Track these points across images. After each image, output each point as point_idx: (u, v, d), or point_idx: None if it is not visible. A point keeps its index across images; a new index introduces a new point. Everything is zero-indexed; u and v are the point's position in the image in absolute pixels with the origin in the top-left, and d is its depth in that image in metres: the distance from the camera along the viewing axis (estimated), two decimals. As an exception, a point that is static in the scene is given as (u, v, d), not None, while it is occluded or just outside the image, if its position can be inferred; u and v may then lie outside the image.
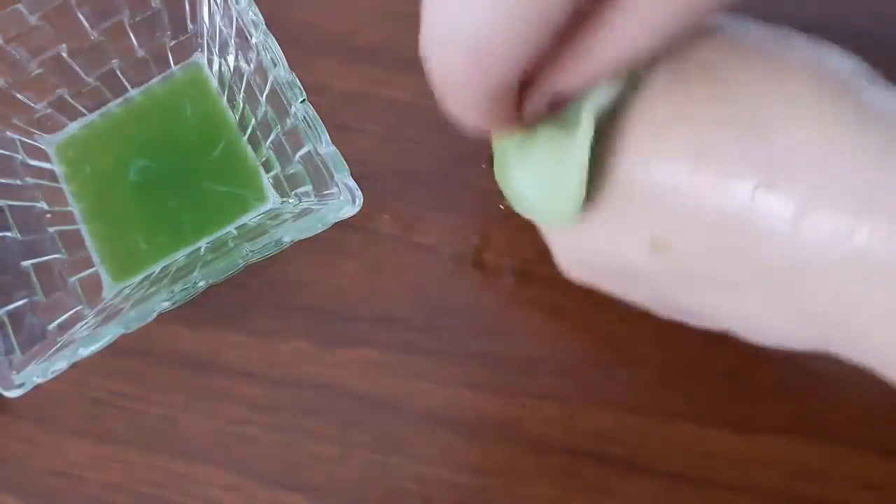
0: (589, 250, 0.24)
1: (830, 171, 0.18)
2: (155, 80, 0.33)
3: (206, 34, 0.32)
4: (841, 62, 0.20)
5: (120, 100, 0.33)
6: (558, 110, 0.22)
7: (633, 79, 0.22)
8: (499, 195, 0.31)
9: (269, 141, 0.30)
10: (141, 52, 0.32)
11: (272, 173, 0.31)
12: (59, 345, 0.27)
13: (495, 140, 0.25)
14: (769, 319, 0.21)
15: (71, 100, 0.32)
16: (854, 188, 0.18)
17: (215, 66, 0.32)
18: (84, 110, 0.32)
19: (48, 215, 0.31)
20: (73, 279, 0.30)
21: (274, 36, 0.28)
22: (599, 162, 0.22)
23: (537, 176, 0.23)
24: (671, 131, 0.21)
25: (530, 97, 0.21)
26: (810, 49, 0.21)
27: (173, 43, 0.32)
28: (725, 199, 0.20)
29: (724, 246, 0.20)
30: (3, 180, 0.30)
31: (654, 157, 0.21)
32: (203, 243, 0.31)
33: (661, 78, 0.21)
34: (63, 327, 0.28)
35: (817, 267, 0.19)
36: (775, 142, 0.19)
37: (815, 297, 0.19)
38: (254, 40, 0.28)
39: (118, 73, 0.32)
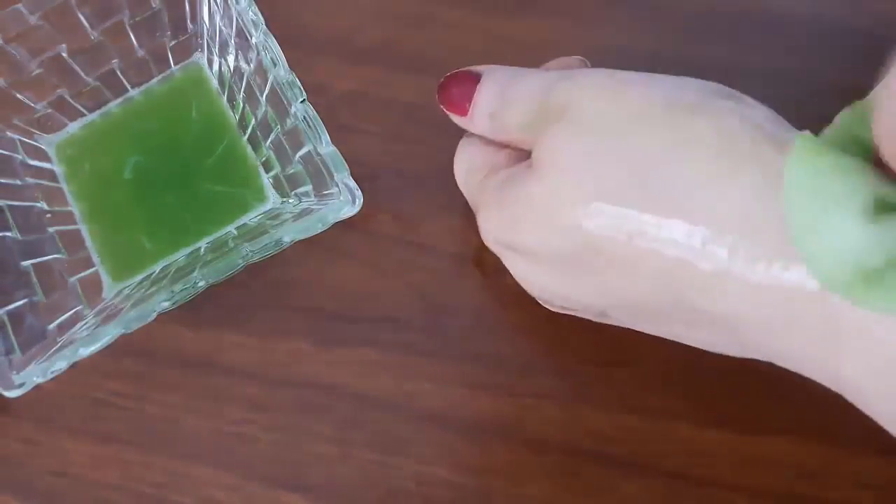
0: (555, 296, 0.26)
1: (740, 232, 0.20)
2: (155, 80, 0.33)
3: (206, 34, 0.32)
4: (750, 114, 0.21)
5: (120, 100, 0.33)
6: None
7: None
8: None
9: (269, 141, 0.30)
10: (141, 52, 0.32)
11: (272, 173, 0.31)
12: (59, 345, 0.27)
13: None
14: (721, 345, 0.23)
15: (71, 100, 0.32)
16: (760, 253, 0.19)
17: (215, 66, 0.32)
18: (84, 110, 0.32)
19: (48, 215, 0.31)
20: (73, 279, 0.30)
21: (274, 36, 0.28)
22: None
23: None
24: (598, 196, 0.22)
25: None
26: (716, 106, 0.21)
27: (173, 43, 0.32)
28: (667, 260, 0.21)
29: (671, 297, 0.22)
30: (3, 180, 0.30)
31: (593, 226, 0.22)
32: (203, 243, 0.31)
33: (575, 144, 0.22)
34: (63, 327, 0.28)
35: (742, 314, 0.20)
36: (709, 207, 0.20)
37: (749, 338, 0.21)
38: (254, 40, 0.28)
39: (118, 73, 0.32)
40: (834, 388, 0.21)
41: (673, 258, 0.21)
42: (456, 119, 0.27)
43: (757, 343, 0.21)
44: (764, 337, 0.21)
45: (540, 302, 0.27)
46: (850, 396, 0.20)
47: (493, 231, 0.25)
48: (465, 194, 0.28)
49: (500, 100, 0.25)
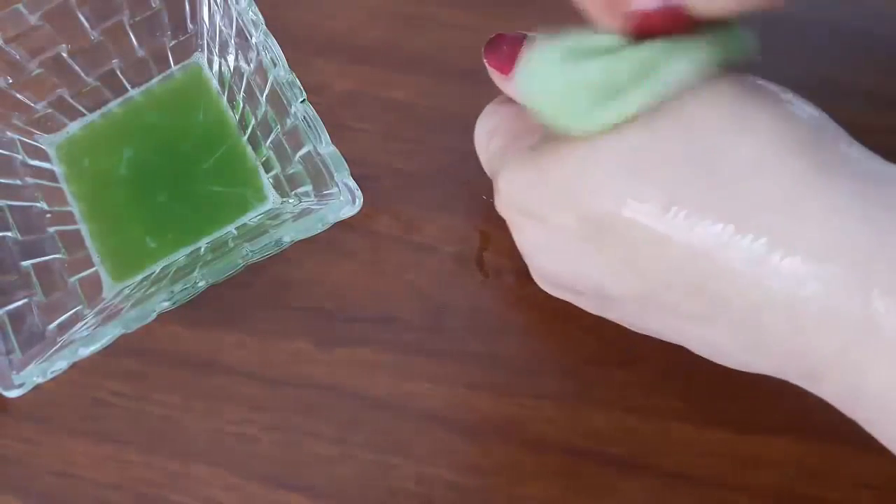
0: (564, 270, 0.25)
1: (791, 220, 0.20)
2: (155, 80, 0.33)
3: (206, 34, 0.32)
4: (808, 113, 0.21)
5: (120, 100, 0.33)
6: (660, 31, 0.21)
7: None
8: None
9: (269, 141, 0.30)
10: (141, 52, 0.32)
11: (272, 173, 0.31)
12: (59, 345, 0.27)
13: (538, 40, 0.25)
14: (730, 348, 0.22)
15: (71, 100, 0.32)
16: (812, 237, 0.19)
17: (215, 66, 0.32)
18: (84, 110, 0.32)
19: (48, 215, 0.31)
20: (73, 279, 0.30)
21: (274, 36, 0.28)
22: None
23: (585, 82, 0.22)
24: (645, 176, 0.21)
25: None
26: (779, 99, 0.21)
27: (173, 43, 0.32)
28: (692, 242, 0.21)
29: (688, 283, 0.21)
30: (3, 180, 0.30)
31: (627, 195, 0.21)
32: (203, 243, 0.31)
33: (636, 124, 0.22)
34: (63, 327, 0.28)
35: (774, 307, 0.20)
36: (739, 198, 0.20)
37: (772, 334, 0.21)
38: (254, 40, 0.28)
39: (118, 73, 0.32)
40: (845, 404, 0.21)
41: (704, 245, 0.21)
42: (495, 77, 0.26)
43: (777, 343, 0.21)
44: (789, 335, 0.20)
45: (537, 281, 0.26)
46: (866, 413, 0.20)
47: (514, 193, 0.25)
48: (483, 159, 0.28)
49: None
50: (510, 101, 0.27)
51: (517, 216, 0.25)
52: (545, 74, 0.23)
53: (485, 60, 0.26)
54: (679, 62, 0.20)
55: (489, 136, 0.27)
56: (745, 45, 0.22)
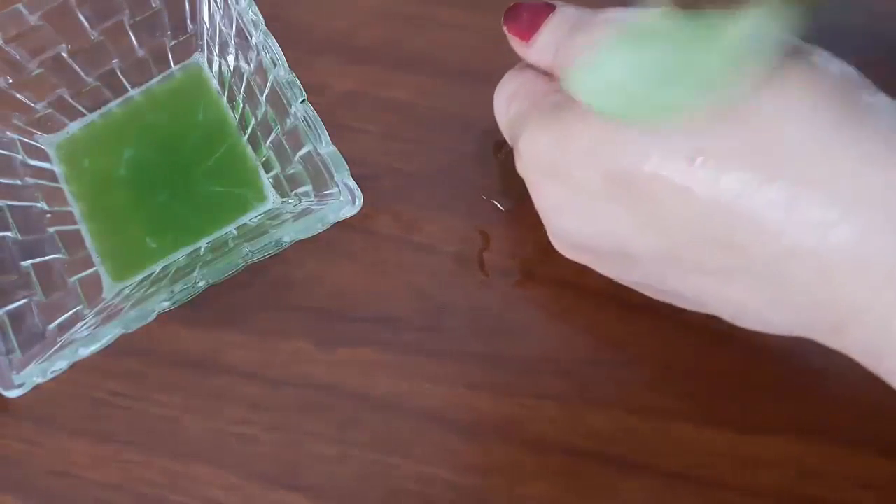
0: (585, 231, 0.25)
1: (821, 168, 0.19)
2: (155, 80, 0.33)
3: (206, 34, 0.32)
4: (836, 66, 0.21)
5: (120, 100, 0.33)
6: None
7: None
8: (498, 195, 0.31)
9: (269, 141, 0.30)
10: (141, 52, 0.32)
11: (272, 173, 0.31)
12: (59, 345, 0.27)
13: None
14: (753, 304, 0.22)
15: (71, 100, 0.32)
16: (843, 184, 0.19)
17: (215, 66, 0.32)
18: (84, 110, 0.32)
19: (48, 215, 0.31)
20: (73, 279, 0.30)
21: (274, 36, 0.28)
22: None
23: (660, 66, 0.22)
24: (670, 128, 0.21)
25: None
26: (807, 52, 0.21)
27: (173, 43, 0.32)
28: (718, 192, 0.21)
29: (713, 236, 0.21)
30: (3, 180, 0.30)
31: (653, 152, 0.21)
32: (203, 243, 0.31)
33: None
34: (63, 327, 0.28)
35: (801, 255, 0.20)
36: (767, 145, 0.20)
37: (798, 284, 0.20)
38: (254, 40, 0.28)
39: (118, 73, 0.32)
40: (871, 355, 0.20)
41: (731, 194, 0.20)
42: (514, 44, 0.27)
43: (803, 294, 0.20)
44: (816, 285, 0.20)
45: (556, 245, 0.27)
46: (893, 362, 0.20)
47: (537, 153, 0.25)
48: (503, 122, 0.27)
49: (570, 36, 0.25)
50: (529, 66, 0.27)
51: (539, 177, 0.25)
52: (602, 64, 0.22)
53: (504, 27, 0.27)
54: (742, 40, 0.20)
55: (509, 100, 0.27)
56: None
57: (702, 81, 0.21)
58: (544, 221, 0.26)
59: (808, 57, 0.21)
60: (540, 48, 0.26)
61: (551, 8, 0.26)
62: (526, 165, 0.25)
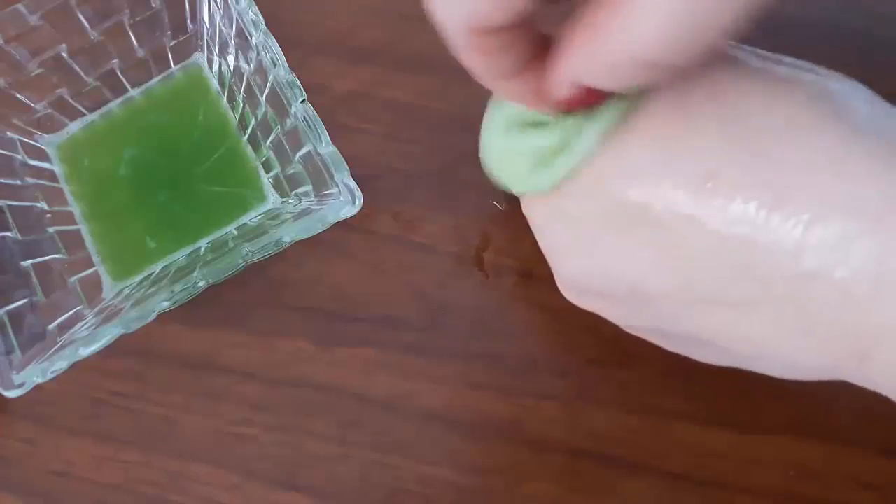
0: (594, 272, 0.24)
1: (834, 189, 0.19)
2: (155, 80, 0.33)
3: (206, 34, 0.32)
4: (840, 84, 0.21)
5: (120, 100, 0.33)
6: (582, 108, 0.22)
7: (633, 102, 0.21)
8: (498, 195, 0.31)
9: (269, 141, 0.30)
10: (141, 52, 0.32)
11: (272, 173, 0.31)
12: (59, 345, 0.27)
13: (496, 102, 0.25)
14: (775, 339, 0.21)
15: (71, 100, 0.32)
16: (857, 204, 0.18)
17: (215, 66, 0.32)
18: (84, 110, 0.32)
19: (48, 215, 0.31)
20: (73, 279, 0.30)
21: (274, 36, 0.28)
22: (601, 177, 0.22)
23: (528, 148, 0.24)
24: (679, 153, 0.21)
25: (552, 78, 0.20)
26: (810, 72, 0.21)
27: (173, 43, 0.32)
28: (732, 220, 0.20)
29: (731, 264, 0.20)
30: (3, 180, 0.30)
31: (664, 180, 0.21)
32: (203, 243, 0.31)
33: (665, 98, 0.21)
34: (63, 327, 0.28)
35: (824, 278, 0.19)
36: (779, 163, 0.19)
37: (821, 310, 0.19)
38: (254, 40, 0.28)
39: (118, 73, 0.32)
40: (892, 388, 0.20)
41: (747, 217, 0.20)
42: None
43: (826, 320, 0.19)
44: (839, 308, 0.19)
45: (563, 291, 0.26)
46: None
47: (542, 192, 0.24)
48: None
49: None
50: None
51: (544, 218, 0.25)
52: (492, 142, 0.25)
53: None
54: (590, 129, 0.22)
55: None
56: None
57: (555, 167, 0.23)
58: (551, 266, 0.26)
59: (812, 75, 0.21)
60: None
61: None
62: (532, 206, 0.25)
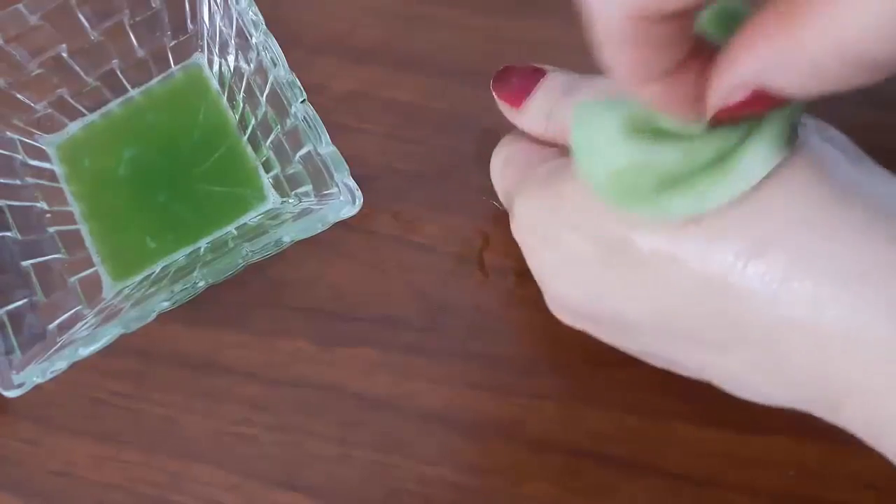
0: (580, 298, 0.24)
1: (813, 243, 0.19)
2: (155, 80, 0.33)
3: (206, 34, 0.32)
4: (828, 140, 0.21)
5: (120, 100, 0.33)
6: (736, 118, 0.19)
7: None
8: (497, 195, 0.31)
9: (269, 141, 0.30)
10: (141, 52, 0.32)
11: (272, 173, 0.31)
12: (59, 345, 0.27)
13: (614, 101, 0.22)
14: (752, 378, 0.22)
15: (71, 100, 0.32)
16: (836, 257, 0.19)
17: (215, 66, 0.32)
18: (84, 110, 0.32)
19: (48, 215, 0.31)
20: (73, 279, 0.30)
21: (274, 36, 0.28)
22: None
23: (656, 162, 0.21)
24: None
25: (719, 80, 0.18)
26: (799, 125, 0.21)
27: (173, 43, 0.32)
28: (711, 260, 0.20)
29: (708, 306, 0.21)
30: (3, 180, 0.30)
31: (648, 222, 0.21)
32: (203, 243, 0.31)
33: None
34: (63, 327, 0.28)
35: (796, 326, 0.19)
36: (761, 210, 0.20)
37: (794, 357, 0.20)
38: (254, 40, 0.28)
39: (118, 73, 0.32)
40: (870, 432, 0.20)
41: (723, 265, 0.20)
42: (505, 110, 0.26)
43: (799, 369, 0.20)
44: (811, 360, 0.19)
45: (553, 310, 0.26)
46: (893, 440, 0.19)
47: (530, 216, 0.24)
48: (499, 188, 0.27)
49: (562, 101, 0.25)
50: (525, 133, 0.27)
51: (533, 241, 0.25)
52: (604, 147, 0.21)
53: (494, 93, 0.26)
54: (757, 150, 0.19)
55: (504, 165, 0.27)
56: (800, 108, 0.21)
57: (704, 193, 0.20)
58: (540, 286, 0.26)
59: (800, 130, 0.21)
60: (532, 115, 0.26)
61: (542, 73, 0.26)
62: (520, 229, 0.25)
